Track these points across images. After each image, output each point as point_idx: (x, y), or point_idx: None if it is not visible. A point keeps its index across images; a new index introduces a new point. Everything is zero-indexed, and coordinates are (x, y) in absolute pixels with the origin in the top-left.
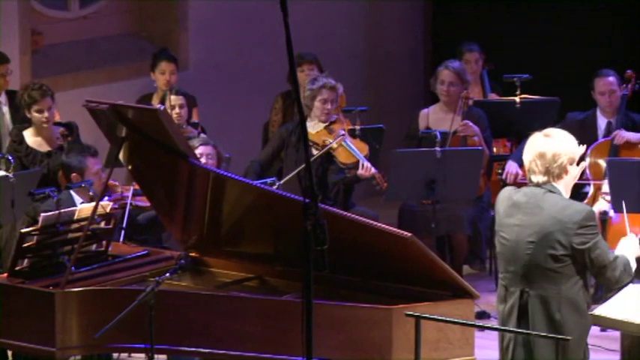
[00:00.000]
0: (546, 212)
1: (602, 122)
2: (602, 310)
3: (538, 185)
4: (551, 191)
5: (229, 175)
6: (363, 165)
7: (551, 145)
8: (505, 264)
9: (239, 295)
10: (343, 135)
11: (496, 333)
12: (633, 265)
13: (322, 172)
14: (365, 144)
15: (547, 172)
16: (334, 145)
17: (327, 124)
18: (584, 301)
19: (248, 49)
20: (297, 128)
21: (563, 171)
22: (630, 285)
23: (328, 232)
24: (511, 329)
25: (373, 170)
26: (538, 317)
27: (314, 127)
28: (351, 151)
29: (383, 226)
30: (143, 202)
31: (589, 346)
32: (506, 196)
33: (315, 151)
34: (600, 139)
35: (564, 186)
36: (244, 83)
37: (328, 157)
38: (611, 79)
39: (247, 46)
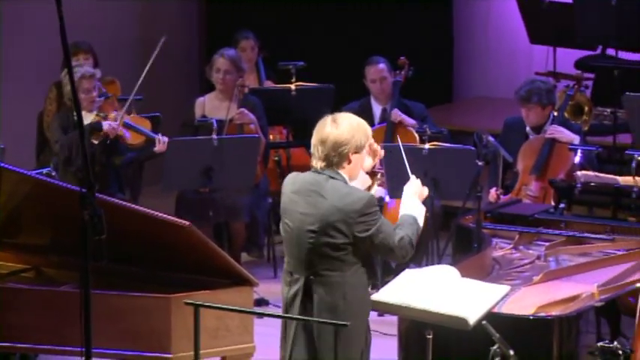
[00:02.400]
0: (327, 201)
1: (377, 109)
2: (379, 295)
3: (320, 170)
4: (332, 177)
5: (4, 165)
6: (159, 140)
7: (336, 132)
8: (290, 251)
9: (15, 286)
10: (122, 117)
11: (275, 320)
12: (420, 214)
13: (106, 160)
14: (146, 119)
15: (326, 158)
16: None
17: (96, 111)
18: (367, 286)
19: (23, 39)
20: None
21: (343, 159)
22: (406, 270)
23: (106, 221)
24: (290, 316)
25: (164, 140)
26: (322, 304)
27: (86, 118)
28: (137, 130)
29: (160, 215)
30: None
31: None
32: (290, 181)
33: (95, 141)
34: (375, 126)
35: (348, 172)
36: (18, 72)
37: (112, 142)
38: (382, 66)
39: (22, 36)
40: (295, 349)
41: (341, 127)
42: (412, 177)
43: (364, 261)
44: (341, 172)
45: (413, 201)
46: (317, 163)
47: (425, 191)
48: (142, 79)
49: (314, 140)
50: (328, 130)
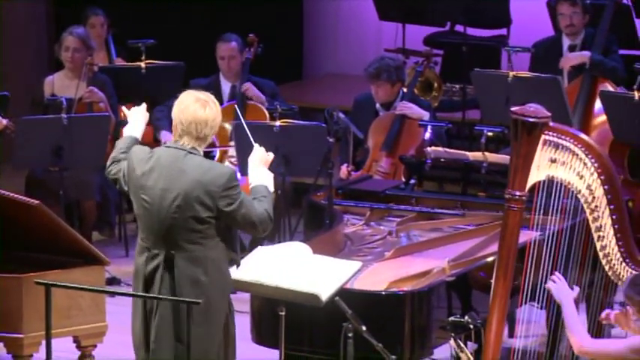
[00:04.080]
0: (189, 175)
1: (226, 86)
2: (232, 272)
3: (180, 146)
4: (192, 153)
5: None
6: None
7: (209, 112)
8: (148, 227)
9: None
10: None
11: (127, 299)
12: (269, 181)
13: None
14: None
15: (199, 137)
16: None
17: None
18: (227, 261)
19: None
20: None
21: (208, 138)
22: (259, 247)
23: None
24: (140, 294)
25: (4, 122)
26: (183, 278)
27: None
28: None
29: (10, 194)
30: None
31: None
32: (142, 157)
33: None
34: (225, 103)
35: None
36: None
37: None
38: (233, 44)
39: None
40: (157, 325)
41: (211, 107)
42: (255, 145)
43: (224, 235)
44: (199, 149)
45: (260, 169)
46: (184, 139)
47: (269, 157)
48: None
49: (185, 117)
50: (202, 109)
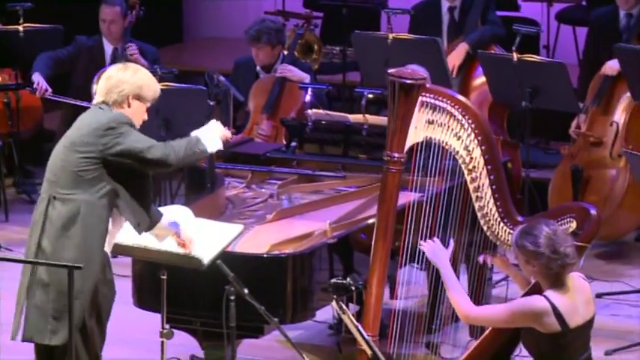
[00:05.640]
0: (85, 120)
1: (108, 48)
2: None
3: (97, 104)
4: (101, 108)
5: None
6: None
7: (122, 73)
8: (46, 172)
9: None
10: None
11: (7, 264)
12: (208, 140)
13: None
14: None
15: (106, 93)
16: None
17: None
18: (106, 216)
19: None
20: None
21: (123, 100)
22: None
23: None
24: (18, 259)
25: None
26: (57, 220)
27: None
28: None
29: None
30: None
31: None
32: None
33: None
34: (107, 66)
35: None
36: None
37: None
38: (117, 9)
39: None
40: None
41: (128, 70)
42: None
43: (107, 185)
44: (110, 106)
45: (208, 132)
46: (97, 97)
47: (227, 133)
48: None
49: (102, 78)
50: (116, 70)
